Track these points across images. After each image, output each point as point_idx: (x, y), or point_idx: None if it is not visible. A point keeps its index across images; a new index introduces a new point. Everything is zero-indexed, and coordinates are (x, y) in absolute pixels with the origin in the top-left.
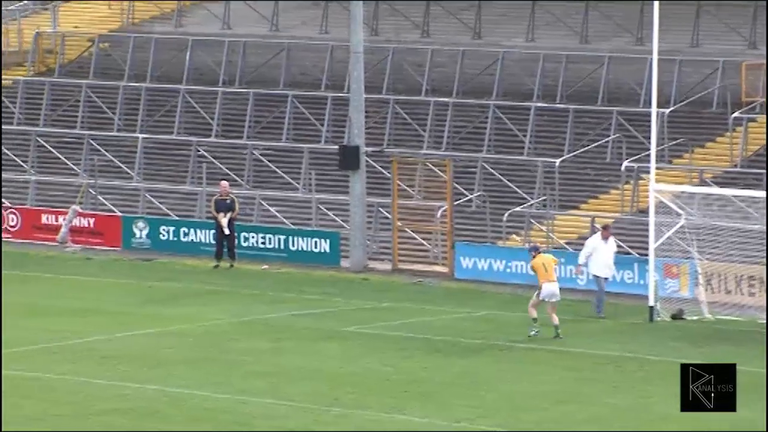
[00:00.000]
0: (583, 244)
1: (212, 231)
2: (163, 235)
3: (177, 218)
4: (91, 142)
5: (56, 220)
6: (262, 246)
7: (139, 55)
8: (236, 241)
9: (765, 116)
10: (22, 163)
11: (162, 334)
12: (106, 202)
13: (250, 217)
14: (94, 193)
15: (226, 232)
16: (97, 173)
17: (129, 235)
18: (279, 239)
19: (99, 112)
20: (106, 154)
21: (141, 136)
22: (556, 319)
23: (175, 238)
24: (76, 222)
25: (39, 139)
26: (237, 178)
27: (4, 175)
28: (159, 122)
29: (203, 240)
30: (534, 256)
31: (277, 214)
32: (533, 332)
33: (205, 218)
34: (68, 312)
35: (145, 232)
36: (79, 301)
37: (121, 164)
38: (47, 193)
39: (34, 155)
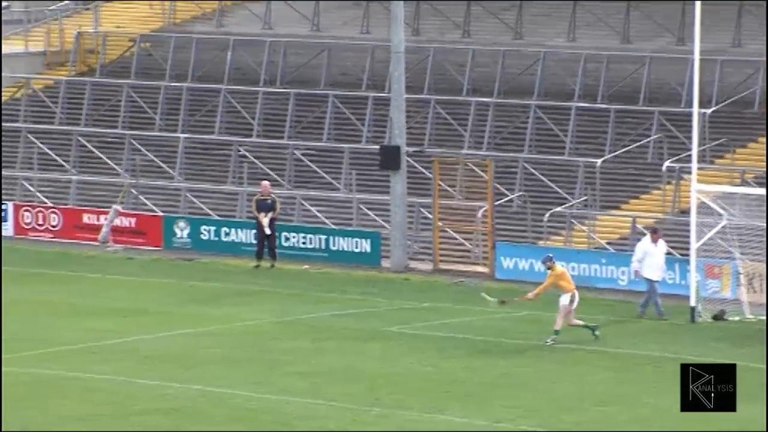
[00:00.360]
0: (623, 244)
1: (253, 231)
2: (205, 235)
3: (218, 218)
4: (133, 141)
5: (98, 220)
6: (303, 246)
7: (180, 55)
8: (277, 241)
9: None
10: (63, 163)
11: (203, 334)
12: (147, 202)
13: (291, 217)
14: (135, 192)
15: (268, 232)
16: (139, 173)
17: (170, 234)
18: (320, 239)
19: (140, 111)
20: (148, 153)
21: (182, 136)
22: (580, 321)
23: (216, 238)
24: (117, 222)
25: (80, 139)
26: (278, 178)
27: (46, 175)
28: (200, 122)
29: (244, 240)
30: (552, 266)
31: (318, 214)
32: (550, 341)
33: (246, 218)
34: (109, 312)
35: (186, 232)
36: (120, 301)
37: (162, 164)
38: (89, 193)
39: (76, 155)
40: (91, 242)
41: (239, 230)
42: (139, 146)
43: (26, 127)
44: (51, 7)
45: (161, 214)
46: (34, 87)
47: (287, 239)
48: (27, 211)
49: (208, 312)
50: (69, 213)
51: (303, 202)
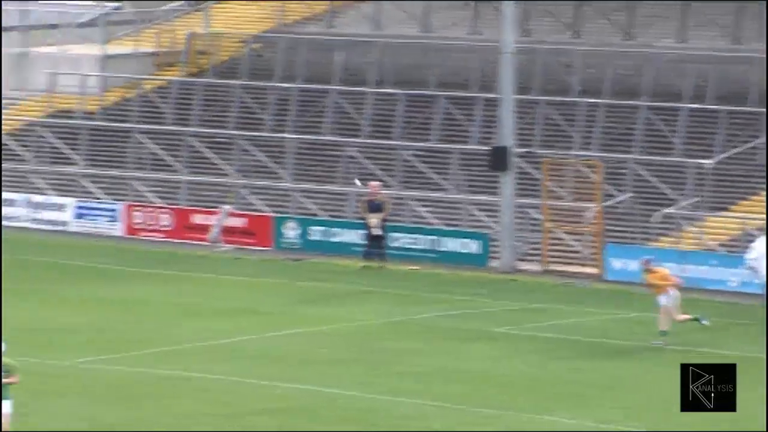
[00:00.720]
0: (733, 246)
1: (362, 231)
2: (314, 235)
3: (327, 218)
4: (242, 142)
5: (207, 220)
6: (411, 246)
7: (290, 55)
8: (386, 241)
9: None
10: (174, 163)
11: (312, 334)
12: (256, 202)
13: (399, 217)
14: (242, 193)
15: (376, 232)
16: (248, 173)
17: (279, 235)
18: (428, 240)
19: (250, 112)
20: (257, 154)
21: (291, 136)
22: (687, 315)
23: (325, 239)
24: (227, 222)
25: (191, 140)
26: (387, 179)
27: (156, 175)
28: (309, 123)
29: (353, 240)
30: (650, 269)
31: (427, 214)
32: (660, 343)
33: (355, 219)
34: (219, 312)
35: (295, 233)
36: (229, 301)
37: (271, 164)
38: (199, 193)
39: (186, 155)
40: (201, 242)
41: (348, 231)
42: (249, 146)
43: (137, 127)
44: (163, 8)
45: (271, 214)
46: (144, 87)
47: (396, 240)
48: (138, 211)
49: (317, 312)
50: (179, 213)
51: (411, 202)
